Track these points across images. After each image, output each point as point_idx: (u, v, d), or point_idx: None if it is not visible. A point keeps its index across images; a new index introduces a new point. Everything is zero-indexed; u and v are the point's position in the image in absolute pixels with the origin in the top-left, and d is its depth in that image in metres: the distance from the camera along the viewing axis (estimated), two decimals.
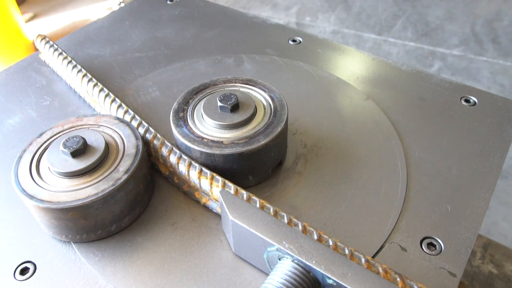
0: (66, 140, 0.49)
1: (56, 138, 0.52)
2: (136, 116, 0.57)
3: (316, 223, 0.51)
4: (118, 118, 0.55)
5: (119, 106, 0.59)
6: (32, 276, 0.47)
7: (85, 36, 0.87)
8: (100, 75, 0.76)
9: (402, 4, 2.95)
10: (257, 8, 3.02)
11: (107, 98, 0.61)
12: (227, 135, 0.52)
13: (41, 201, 0.45)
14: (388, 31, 2.71)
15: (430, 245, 0.49)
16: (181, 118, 0.54)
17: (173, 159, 0.51)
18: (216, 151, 0.49)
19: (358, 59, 0.79)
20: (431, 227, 0.51)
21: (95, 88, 0.63)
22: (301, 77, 0.74)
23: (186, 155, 0.52)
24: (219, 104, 0.53)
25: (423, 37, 2.64)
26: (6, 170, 0.60)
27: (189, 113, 0.55)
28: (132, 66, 0.78)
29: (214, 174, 0.49)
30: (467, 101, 0.68)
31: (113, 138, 0.52)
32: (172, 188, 0.55)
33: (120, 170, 0.48)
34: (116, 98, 0.60)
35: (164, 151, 0.52)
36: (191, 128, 0.53)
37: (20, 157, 0.50)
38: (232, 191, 0.47)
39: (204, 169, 0.50)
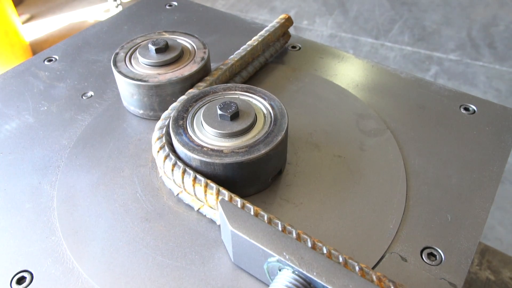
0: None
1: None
2: None
3: (316, 233, 0.51)
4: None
5: None
6: (29, 286, 0.47)
7: (83, 40, 0.87)
8: (98, 80, 0.76)
9: (399, 9, 2.96)
10: (255, 12, 3.02)
11: None
12: (227, 144, 0.51)
13: None
14: (385, 36, 2.72)
15: (431, 255, 0.49)
16: (181, 126, 0.53)
17: (168, 165, 0.51)
18: (216, 160, 0.49)
19: (357, 66, 0.79)
20: (431, 237, 0.51)
21: None
22: (301, 84, 0.74)
23: (182, 161, 0.52)
24: (219, 112, 0.53)
25: (420, 42, 2.65)
26: (2, 176, 0.59)
27: (188, 121, 0.54)
28: None
29: (208, 181, 0.49)
30: (466, 109, 0.68)
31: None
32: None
33: None
34: None
35: (161, 155, 0.52)
36: (191, 136, 0.52)
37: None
38: (226, 198, 0.47)
39: (198, 176, 0.49)
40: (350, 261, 0.41)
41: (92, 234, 0.51)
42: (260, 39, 0.73)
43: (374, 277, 0.40)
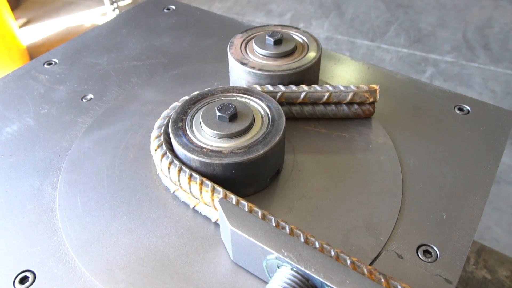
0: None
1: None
2: None
3: (313, 231, 0.52)
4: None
5: None
6: (32, 285, 0.47)
7: (82, 44, 0.88)
8: (98, 83, 0.77)
9: (394, 11, 2.98)
10: (251, 15, 3.03)
11: None
12: (225, 145, 0.52)
13: None
14: (381, 38, 2.74)
15: (426, 252, 0.50)
16: (180, 128, 0.54)
17: (165, 163, 0.52)
18: (216, 160, 0.50)
19: (353, 68, 0.80)
20: (427, 234, 0.52)
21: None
22: None
23: (179, 160, 0.53)
24: (218, 113, 0.54)
25: (415, 44, 2.67)
26: (4, 178, 0.60)
27: (187, 123, 0.55)
28: (130, 74, 0.78)
29: (204, 179, 0.50)
30: (460, 109, 0.70)
31: None
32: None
33: None
34: None
35: (159, 153, 0.53)
36: (190, 138, 0.53)
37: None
38: (221, 195, 0.48)
39: (194, 174, 0.50)
40: (341, 255, 0.43)
41: (94, 234, 0.52)
42: (332, 90, 0.63)
43: (365, 270, 0.41)
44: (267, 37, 0.68)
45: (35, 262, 0.50)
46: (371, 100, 0.64)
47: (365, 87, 0.63)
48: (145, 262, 0.49)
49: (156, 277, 0.48)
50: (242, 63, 0.66)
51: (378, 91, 0.63)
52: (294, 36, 0.72)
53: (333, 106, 0.65)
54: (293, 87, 0.63)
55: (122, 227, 0.53)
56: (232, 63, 0.68)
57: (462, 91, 2.27)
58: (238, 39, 0.71)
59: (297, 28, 0.73)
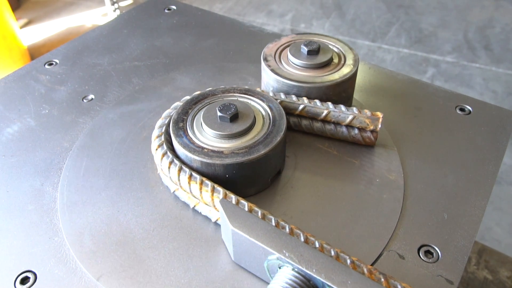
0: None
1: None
2: None
3: (314, 231, 0.52)
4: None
5: None
6: (33, 286, 0.47)
7: (83, 44, 0.88)
8: (99, 83, 0.77)
9: (395, 11, 2.98)
10: (252, 15, 3.03)
11: None
12: (226, 145, 0.52)
13: None
14: (382, 38, 2.74)
15: (428, 252, 0.50)
16: (181, 128, 0.54)
17: (165, 163, 0.53)
18: (217, 161, 0.50)
19: None
20: (428, 235, 0.52)
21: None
22: None
23: (179, 160, 0.53)
24: (219, 114, 0.53)
25: (416, 44, 2.67)
26: (5, 178, 0.60)
27: (188, 123, 0.55)
28: (130, 74, 0.78)
29: (204, 179, 0.50)
30: (462, 110, 0.69)
31: None
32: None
33: None
34: None
35: (159, 153, 0.54)
36: (191, 138, 0.53)
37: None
38: (221, 195, 0.48)
39: (194, 174, 0.50)
40: (341, 254, 0.42)
41: (95, 234, 0.52)
42: (332, 108, 0.60)
43: (365, 270, 0.41)
44: (302, 46, 0.65)
45: (36, 263, 0.50)
46: (371, 127, 0.59)
47: (368, 113, 0.58)
48: (145, 261, 0.49)
49: (157, 277, 0.48)
50: (276, 73, 0.63)
51: (381, 119, 0.58)
52: (330, 45, 0.68)
53: (332, 126, 0.61)
54: (294, 98, 0.61)
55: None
56: (265, 71, 0.65)
57: (463, 91, 2.27)
58: (273, 46, 0.68)
59: (333, 38, 0.70)
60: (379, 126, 0.59)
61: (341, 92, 0.63)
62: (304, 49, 0.64)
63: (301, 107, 0.60)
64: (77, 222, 0.53)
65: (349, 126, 0.61)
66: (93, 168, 0.60)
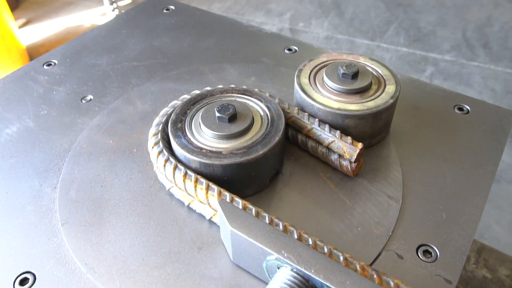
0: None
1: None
2: None
3: (313, 231, 0.52)
4: None
5: None
6: (32, 287, 0.47)
7: (82, 44, 0.88)
8: (97, 84, 0.77)
9: (394, 10, 2.98)
10: (251, 14, 3.03)
11: None
12: (225, 145, 0.52)
13: None
14: (380, 37, 2.74)
15: (426, 252, 0.50)
16: (179, 129, 0.54)
17: (161, 160, 0.53)
18: (216, 161, 0.50)
19: None
20: (426, 234, 0.52)
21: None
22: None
23: (175, 158, 0.53)
24: (217, 114, 0.54)
25: (415, 43, 2.66)
26: (4, 179, 0.60)
27: (187, 124, 0.55)
28: (129, 75, 0.78)
29: (199, 177, 0.50)
30: (460, 109, 0.69)
31: None
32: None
33: None
34: None
35: (155, 151, 0.54)
36: (190, 138, 0.53)
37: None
38: (215, 193, 0.48)
39: (189, 171, 0.51)
40: (334, 251, 0.42)
41: (94, 235, 0.52)
42: (315, 126, 0.57)
43: (357, 266, 0.41)
44: (340, 68, 0.60)
45: (35, 264, 0.50)
46: (346, 157, 0.55)
47: (349, 141, 0.55)
48: (145, 261, 0.49)
49: (157, 276, 0.48)
50: (311, 98, 0.59)
51: (358, 151, 0.54)
52: (368, 67, 0.64)
53: (314, 143, 0.59)
54: (285, 104, 0.59)
55: (123, 227, 0.53)
56: (298, 94, 0.61)
57: (462, 90, 2.27)
58: (307, 67, 0.64)
59: (371, 59, 0.65)
60: (355, 157, 0.54)
61: (381, 119, 0.60)
62: (342, 72, 0.60)
63: (288, 115, 0.59)
64: (76, 222, 0.53)
65: (329, 149, 0.58)
66: (93, 169, 0.60)
